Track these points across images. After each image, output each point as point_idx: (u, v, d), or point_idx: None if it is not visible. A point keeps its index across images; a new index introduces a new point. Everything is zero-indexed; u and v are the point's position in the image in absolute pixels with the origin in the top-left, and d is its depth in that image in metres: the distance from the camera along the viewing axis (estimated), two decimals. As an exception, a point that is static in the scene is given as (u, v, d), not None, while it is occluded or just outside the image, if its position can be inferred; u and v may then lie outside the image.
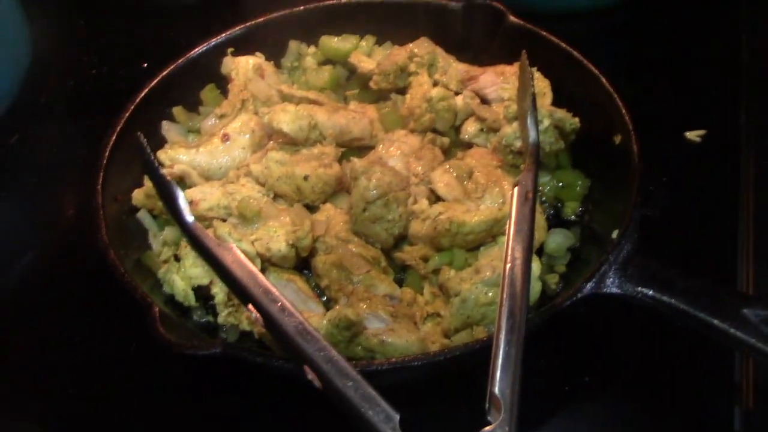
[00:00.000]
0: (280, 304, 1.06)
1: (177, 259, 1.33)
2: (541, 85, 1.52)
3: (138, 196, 1.43)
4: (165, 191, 1.24)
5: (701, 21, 1.89)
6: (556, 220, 1.44)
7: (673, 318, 1.11)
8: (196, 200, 1.38)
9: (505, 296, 1.05)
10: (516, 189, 1.18)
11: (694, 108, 1.67)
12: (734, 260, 1.37)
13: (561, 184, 1.46)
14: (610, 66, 1.46)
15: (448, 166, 1.42)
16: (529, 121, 1.27)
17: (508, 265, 1.09)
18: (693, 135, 1.59)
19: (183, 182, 1.46)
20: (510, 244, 1.11)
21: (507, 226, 1.15)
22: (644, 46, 1.87)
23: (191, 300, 1.30)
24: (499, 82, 1.56)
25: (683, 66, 1.79)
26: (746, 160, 1.53)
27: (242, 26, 1.67)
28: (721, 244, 1.41)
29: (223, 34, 1.65)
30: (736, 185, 1.49)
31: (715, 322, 1.07)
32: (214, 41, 1.64)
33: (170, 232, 1.39)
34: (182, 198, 1.23)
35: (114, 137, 1.43)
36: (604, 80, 1.43)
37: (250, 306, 1.09)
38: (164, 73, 1.57)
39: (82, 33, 2.11)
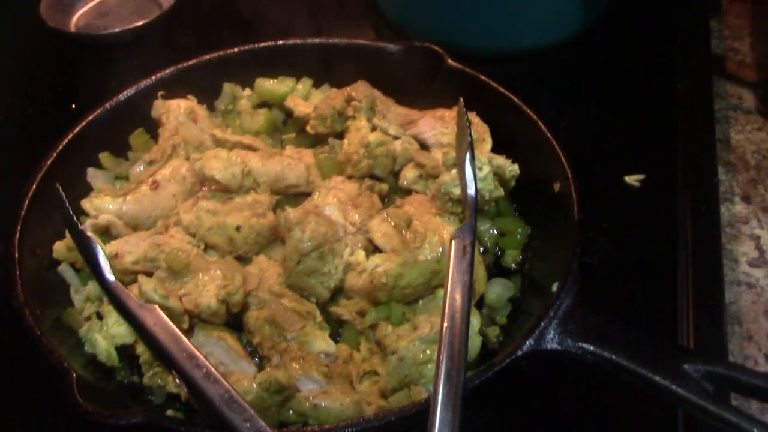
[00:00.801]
0: (205, 370, 1.01)
1: (100, 316, 1.26)
2: (480, 130, 1.50)
3: (59, 248, 1.35)
4: (85, 248, 1.18)
5: (638, 67, 1.90)
6: (496, 269, 1.41)
7: (614, 373, 1.09)
8: (121, 253, 1.31)
9: (443, 357, 1.01)
10: (454, 243, 1.14)
11: (632, 152, 1.67)
12: (674, 308, 1.35)
13: (501, 231, 1.43)
14: (548, 110, 1.46)
15: (386, 215, 1.38)
16: (467, 173, 1.25)
17: (446, 324, 1.05)
18: (632, 179, 1.59)
19: (109, 232, 1.39)
20: (448, 301, 1.07)
21: (445, 282, 1.11)
22: (581, 90, 1.87)
23: (114, 360, 1.23)
24: (438, 126, 1.54)
25: (620, 110, 1.79)
26: (684, 205, 1.53)
27: (173, 68, 1.61)
28: (660, 292, 1.40)
29: (154, 76, 1.59)
30: (674, 231, 1.49)
31: (656, 378, 1.05)
32: (143, 83, 1.58)
33: (93, 287, 1.31)
34: (102, 256, 1.17)
35: (34, 186, 1.36)
36: (542, 126, 1.41)
37: (174, 372, 1.03)
38: (90, 117, 1.50)
39: (8, 72, 2.02)
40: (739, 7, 2.14)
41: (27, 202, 1.34)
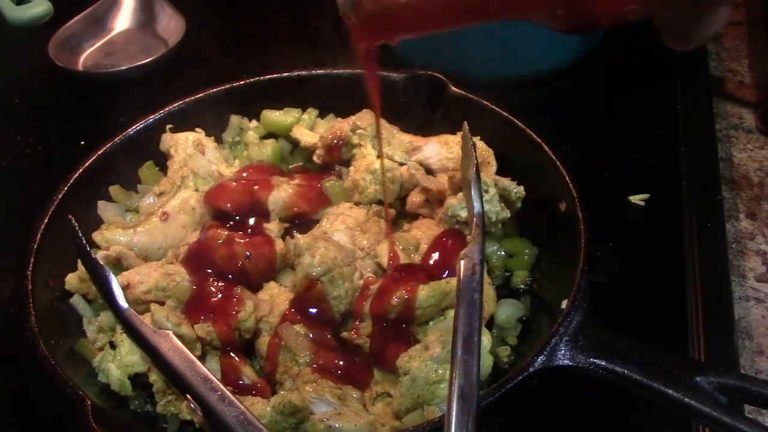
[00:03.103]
0: (219, 392, 1.01)
1: (113, 346, 1.27)
2: (485, 153, 1.52)
3: (72, 280, 1.36)
4: (98, 277, 1.19)
5: (638, 90, 1.92)
6: (505, 290, 1.41)
7: (627, 388, 1.09)
8: (133, 283, 1.32)
9: (455, 375, 1.01)
10: (463, 262, 1.15)
11: (635, 172, 1.68)
12: (684, 325, 1.36)
13: (508, 253, 1.44)
14: (551, 133, 1.47)
15: (394, 239, 1.40)
16: (474, 193, 1.26)
17: (458, 343, 1.05)
18: (637, 199, 1.60)
19: (120, 264, 1.41)
20: (460, 320, 1.07)
21: (456, 300, 1.11)
22: (583, 114, 1.89)
23: (128, 389, 1.24)
24: (443, 151, 1.56)
25: (622, 132, 1.81)
26: (689, 223, 1.54)
27: (181, 102, 1.64)
28: (669, 309, 1.40)
29: (161, 110, 1.62)
30: (681, 248, 1.49)
31: (669, 391, 1.04)
32: (151, 117, 1.61)
33: (106, 318, 1.32)
34: (116, 284, 1.18)
35: (46, 220, 1.38)
36: (546, 148, 1.43)
37: (188, 395, 1.03)
38: (100, 151, 1.52)
39: (17, 111, 2.05)
40: (735, 30, 2.18)
41: (39, 236, 1.35)
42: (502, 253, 1.44)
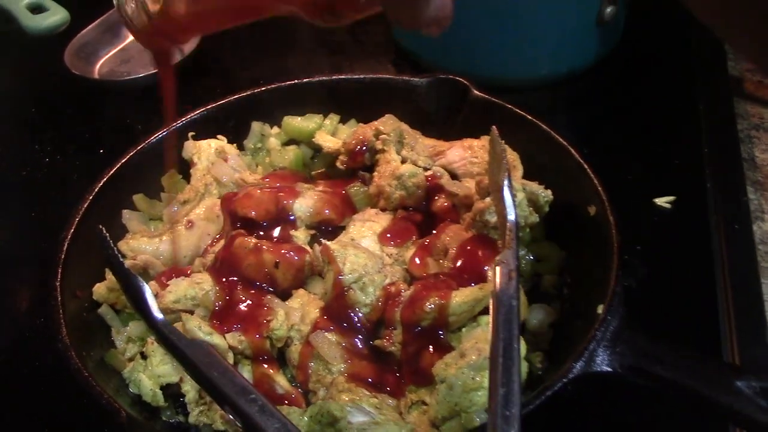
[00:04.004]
0: (260, 403, 1.00)
1: (143, 356, 1.26)
2: (511, 158, 1.50)
3: (99, 290, 1.35)
4: (130, 287, 1.17)
5: (656, 91, 1.92)
6: (534, 295, 1.40)
7: (667, 393, 1.08)
8: (161, 293, 1.32)
9: (497, 383, 1.00)
10: (498, 268, 1.14)
11: (659, 175, 1.67)
12: (716, 328, 1.35)
13: (537, 257, 1.43)
14: (571, 136, 1.46)
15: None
16: (506, 198, 1.24)
17: (498, 350, 1.04)
18: (663, 201, 1.59)
19: (147, 273, 1.40)
20: (500, 325, 1.06)
21: (491, 307, 1.10)
22: (602, 116, 1.88)
23: (160, 400, 1.23)
24: (468, 156, 1.55)
25: (642, 135, 1.80)
26: (716, 224, 1.53)
27: (202, 109, 1.63)
28: (700, 312, 1.39)
29: (183, 118, 1.61)
30: (708, 251, 1.49)
31: (712, 396, 1.04)
32: (173, 125, 1.60)
33: (135, 328, 1.32)
34: (149, 293, 1.16)
35: (72, 229, 1.37)
36: (573, 151, 1.42)
37: (227, 407, 1.02)
38: (123, 160, 1.51)
39: (35, 120, 2.05)
40: (752, 29, 2.16)
41: (66, 246, 1.34)
42: (531, 257, 1.43)
